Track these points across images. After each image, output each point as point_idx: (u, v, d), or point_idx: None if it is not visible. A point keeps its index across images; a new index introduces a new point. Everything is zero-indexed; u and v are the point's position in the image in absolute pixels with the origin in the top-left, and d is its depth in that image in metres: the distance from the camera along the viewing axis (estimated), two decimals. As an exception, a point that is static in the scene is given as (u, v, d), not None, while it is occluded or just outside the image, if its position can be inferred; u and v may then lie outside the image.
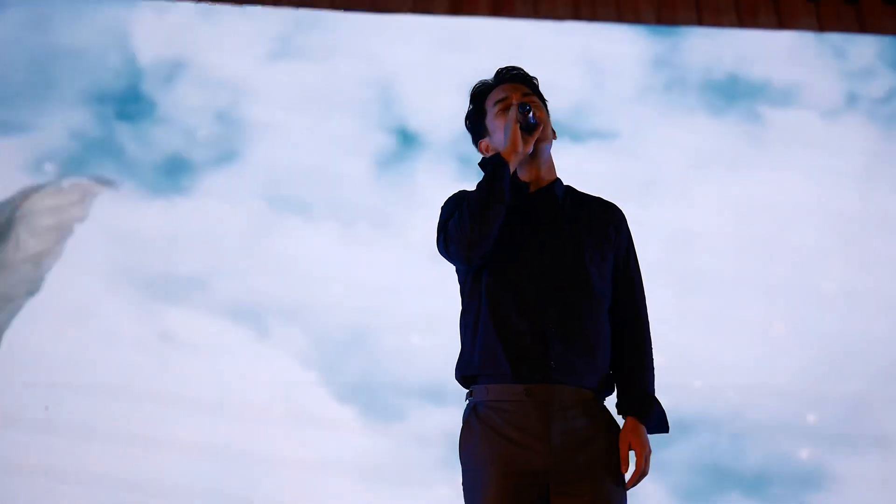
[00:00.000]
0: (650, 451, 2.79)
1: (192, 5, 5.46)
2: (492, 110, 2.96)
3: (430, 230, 2.95)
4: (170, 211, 5.25)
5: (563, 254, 2.84)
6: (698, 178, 5.46)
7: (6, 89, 5.36)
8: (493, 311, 2.80)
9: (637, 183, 5.36)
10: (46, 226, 5.15)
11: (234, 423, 5.01)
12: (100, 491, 4.88)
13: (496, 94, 2.96)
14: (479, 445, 2.77)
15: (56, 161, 5.26)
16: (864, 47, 5.66)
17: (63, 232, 5.15)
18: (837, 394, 5.22)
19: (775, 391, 5.20)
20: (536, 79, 3.01)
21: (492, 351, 2.78)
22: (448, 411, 2.97)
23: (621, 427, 2.83)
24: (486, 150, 2.99)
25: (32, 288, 5.07)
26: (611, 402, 2.90)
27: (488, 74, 3.03)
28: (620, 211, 2.99)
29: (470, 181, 2.91)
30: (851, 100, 5.59)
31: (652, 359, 2.90)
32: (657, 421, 2.83)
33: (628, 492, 2.79)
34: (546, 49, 5.46)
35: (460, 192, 2.95)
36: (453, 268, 2.95)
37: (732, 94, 5.57)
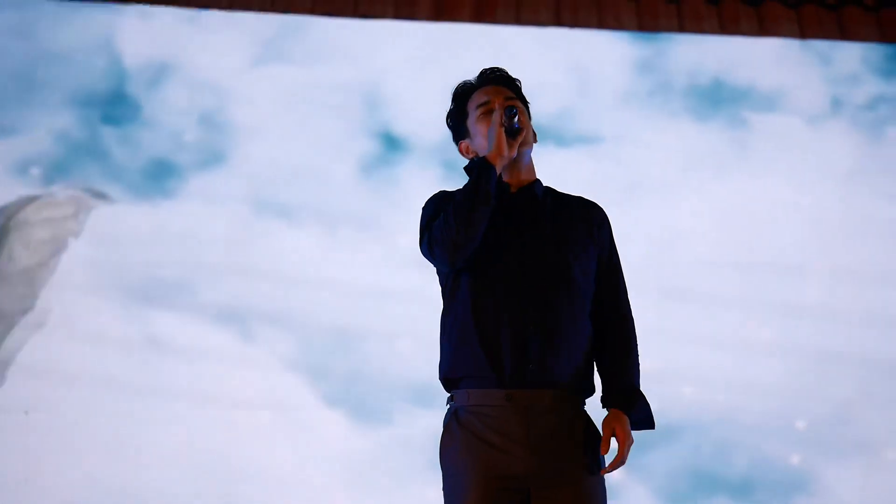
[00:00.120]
0: (632, 441, 2.79)
1: (177, 10, 5.46)
2: (474, 113, 2.95)
3: (415, 234, 2.94)
4: (155, 214, 5.25)
5: (545, 252, 2.84)
6: (683, 183, 5.47)
7: (-7, 93, 5.37)
8: (474, 314, 2.79)
9: (621, 187, 5.37)
10: (40, 239, 5.13)
11: (221, 425, 5.00)
12: (86, 495, 4.87)
13: (479, 97, 2.96)
14: (460, 450, 2.77)
15: (42, 165, 5.25)
16: (848, 53, 5.67)
17: (57, 246, 5.13)
18: (823, 399, 5.23)
19: (762, 395, 5.20)
20: (519, 81, 3.01)
21: (472, 354, 2.78)
22: (435, 414, 2.97)
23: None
24: (467, 152, 2.99)
25: (27, 306, 5.05)
26: (596, 398, 2.89)
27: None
28: (602, 209, 2.99)
29: (455, 185, 2.92)
30: (836, 106, 5.60)
31: (637, 354, 2.90)
32: (643, 416, 2.84)
33: (614, 491, 2.78)
34: (530, 54, 5.47)
35: (441, 192, 2.95)
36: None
37: (717, 99, 5.58)
